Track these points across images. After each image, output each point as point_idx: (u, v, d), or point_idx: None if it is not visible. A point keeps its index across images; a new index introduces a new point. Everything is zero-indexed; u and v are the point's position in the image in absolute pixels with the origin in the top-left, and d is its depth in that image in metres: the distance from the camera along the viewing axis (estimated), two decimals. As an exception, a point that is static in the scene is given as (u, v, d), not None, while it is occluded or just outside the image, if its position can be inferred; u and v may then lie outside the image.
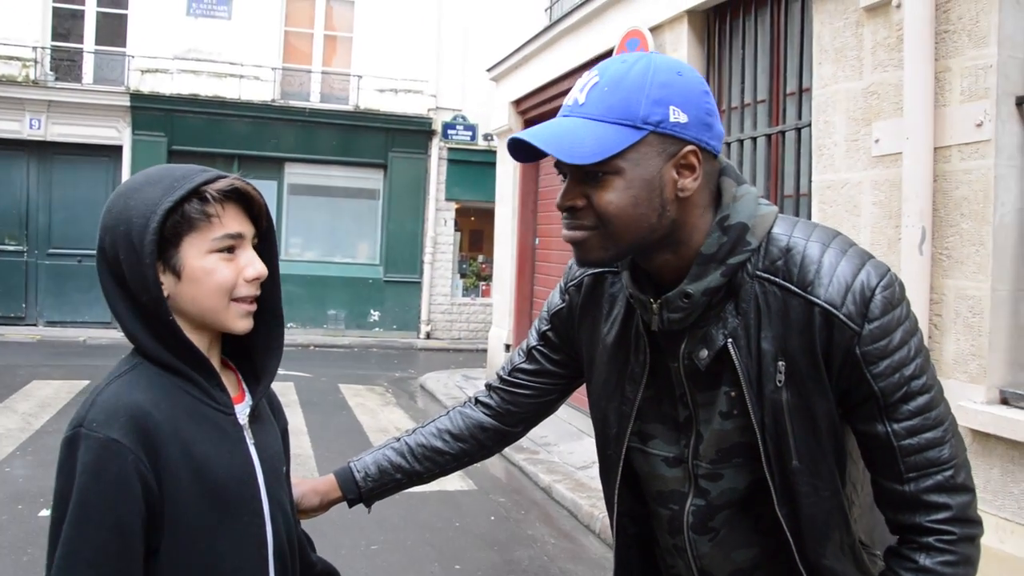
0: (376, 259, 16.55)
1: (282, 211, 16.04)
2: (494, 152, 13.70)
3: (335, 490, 1.78)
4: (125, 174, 14.96)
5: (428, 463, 1.81)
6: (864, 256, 1.33)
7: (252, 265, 1.37)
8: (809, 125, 4.78)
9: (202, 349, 1.37)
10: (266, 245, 1.44)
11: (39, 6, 14.66)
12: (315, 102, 15.75)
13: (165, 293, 1.33)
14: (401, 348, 15.25)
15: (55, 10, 14.97)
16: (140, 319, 1.34)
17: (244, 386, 1.49)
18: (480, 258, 16.78)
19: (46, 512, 3.91)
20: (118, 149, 15.06)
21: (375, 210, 16.48)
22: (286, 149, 15.71)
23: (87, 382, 9.52)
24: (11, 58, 14.44)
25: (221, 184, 1.34)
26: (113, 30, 15.20)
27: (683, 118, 1.26)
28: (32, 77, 14.51)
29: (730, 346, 1.35)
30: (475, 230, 17.19)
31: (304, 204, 16.24)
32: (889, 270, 1.32)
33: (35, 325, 14.63)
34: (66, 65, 14.94)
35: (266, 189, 15.68)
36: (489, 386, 1.84)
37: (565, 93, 8.71)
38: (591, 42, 7.87)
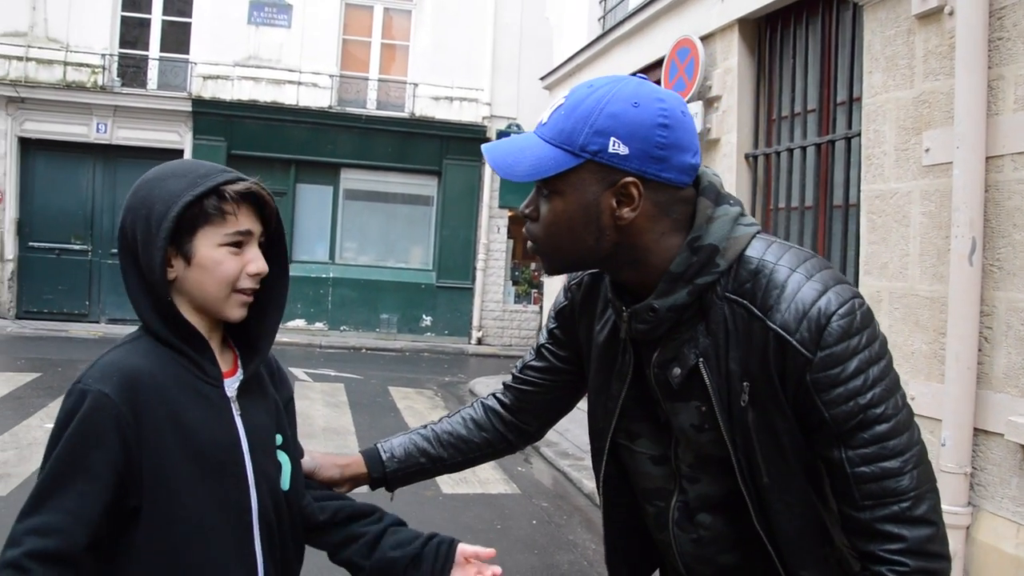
0: (429, 265, 16.68)
1: (337, 216, 16.27)
2: (547, 160, 13.69)
3: (360, 466, 1.82)
4: (186, 178, 15.26)
5: (452, 450, 1.85)
6: (830, 282, 1.31)
7: (255, 262, 1.50)
8: (859, 135, 4.74)
9: (202, 328, 1.51)
10: (274, 244, 1.57)
11: (108, 15, 15.11)
12: (371, 109, 15.95)
13: (173, 276, 1.46)
14: (452, 353, 15.34)
15: (123, 19, 15.41)
16: (146, 296, 1.47)
17: (240, 364, 1.59)
18: (532, 265, 16.80)
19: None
20: (179, 153, 15.38)
21: (429, 216, 16.62)
22: (342, 155, 15.94)
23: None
24: (81, 65, 14.89)
25: (239, 186, 1.47)
26: (177, 38, 15.60)
27: (623, 150, 1.29)
28: (100, 83, 14.95)
29: (702, 365, 1.37)
30: (528, 237, 17.17)
31: (359, 209, 16.45)
32: (854, 297, 1.31)
33: (97, 322, 15.05)
34: (132, 71, 15.37)
35: (322, 194, 16.11)
36: (505, 384, 1.89)
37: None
38: (643, 51, 7.88)
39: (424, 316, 16.37)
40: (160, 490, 1.38)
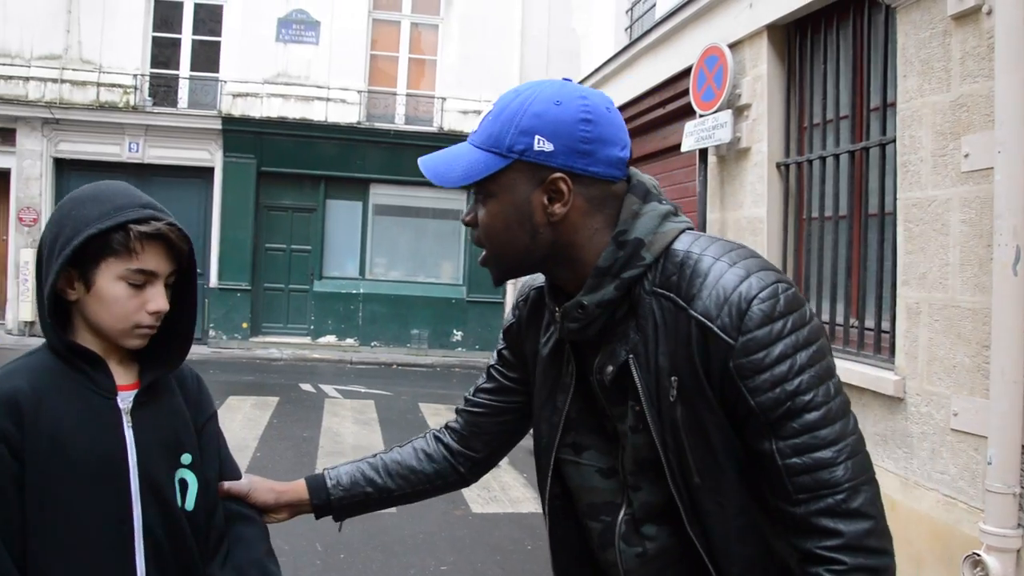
0: (459, 279, 16.65)
1: (367, 231, 16.30)
2: (576, 172, 13.64)
3: (300, 492, 1.77)
4: (217, 195, 15.48)
5: (401, 480, 1.80)
6: (754, 267, 1.29)
7: (154, 301, 1.52)
8: (894, 141, 4.58)
9: (101, 346, 1.54)
10: (186, 279, 1.60)
11: (140, 36, 15.33)
12: (400, 124, 15.99)
13: (75, 297, 1.51)
14: (483, 368, 15.13)
15: (154, 39, 15.63)
16: (40, 312, 1.52)
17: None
18: (562, 279, 16.72)
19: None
20: (210, 171, 15.57)
21: (458, 231, 16.58)
22: (371, 170, 15.97)
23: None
24: (114, 85, 15.12)
25: (146, 227, 1.48)
26: (207, 56, 15.78)
27: (548, 147, 1.31)
28: (132, 103, 15.15)
29: (631, 362, 1.35)
30: (558, 251, 17.14)
31: (388, 224, 16.48)
32: (779, 281, 1.28)
33: (131, 342, 15.11)
34: (163, 91, 15.56)
35: (351, 210, 16.14)
36: (457, 409, 1.85)
37: (645, 112, 8.65)
38: (671, 60, 7.77)
39: (455, 331, 16.32)
40: (37, 500, 1.41)
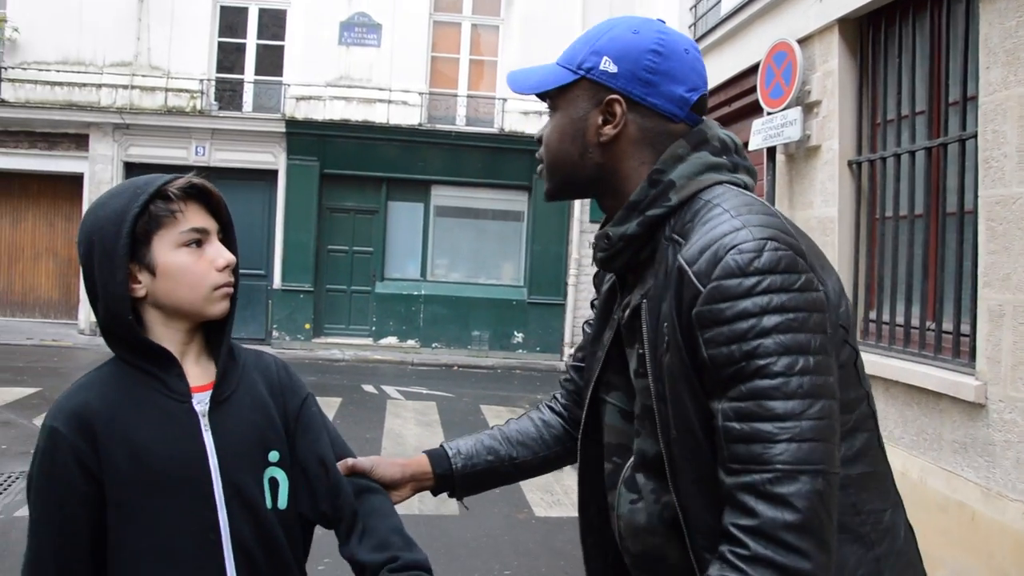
0: (520, 281, 16.61)
1: (428, 233, 16.36)
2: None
3: (423, 464, 1.72)
4: (281, 197, 15.68)
5: (523, 448, 1.75)
6: (754, 222, 1.22)
7: (221, 255, 1.49)
8: (975, 136, 4.40)
9: (176, 341, 1.49)
10: (228, 237, 1.56)
11: (206, 42, 15.63)
12: (461, 125, 16.00)
13: (143, 292, 1.45)
14: (544, 370, 15.19)
15: (220, 44, 15.92)
16: (105, 323, 1.46)
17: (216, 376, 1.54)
18: (624, 280, 16.58)
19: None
20: (274, 173, 15.78)
21: (519, 232, 16.56)
22: (433, 172, 16.02)
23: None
24: (181, 90, 15.44)
25: (180, 183, 1.46)
26: (271, 61, 16.01)
27: (612, 68, 1.34)
28: (198, 107, 15.45)
29: (643, 306, 1.32)
30: (619, 251, 17.00)
31: (450, 226, 16.51)
32: (773, 239, 1.20)
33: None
34: (228, 95, 15.83)
35: (413, 211, 16.21)
36: (560, 380, 1.86)
37: (710, 111, 8.52)
38: (737, 57, 7.62)
39: (516, 333, 16.28)
40: (122, 509, 1.38)
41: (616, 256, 1.38)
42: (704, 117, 1.41)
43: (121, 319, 1.43)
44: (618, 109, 1.35)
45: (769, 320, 1.16)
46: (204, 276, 1.46)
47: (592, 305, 1.69)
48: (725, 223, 1.23)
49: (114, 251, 1.40)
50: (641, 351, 1.33)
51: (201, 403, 1.48)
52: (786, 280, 1.18)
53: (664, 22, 1.40)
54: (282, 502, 1.52)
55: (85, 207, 15.25)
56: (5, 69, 15.27)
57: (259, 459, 1.51)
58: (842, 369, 1.27)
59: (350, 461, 1.63)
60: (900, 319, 5.22)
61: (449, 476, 1.71)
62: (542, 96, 1.43)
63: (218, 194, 1.53)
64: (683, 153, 1.35)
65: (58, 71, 15.34)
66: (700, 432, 1.24)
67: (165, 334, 1.48)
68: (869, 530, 1.30)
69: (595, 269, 1.60)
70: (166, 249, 1.44)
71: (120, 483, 1.38)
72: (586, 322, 1.71)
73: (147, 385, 1.45)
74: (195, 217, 1.48)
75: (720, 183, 1.33)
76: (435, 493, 1.74)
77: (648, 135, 1.37)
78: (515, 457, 1.74)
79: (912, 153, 5.12)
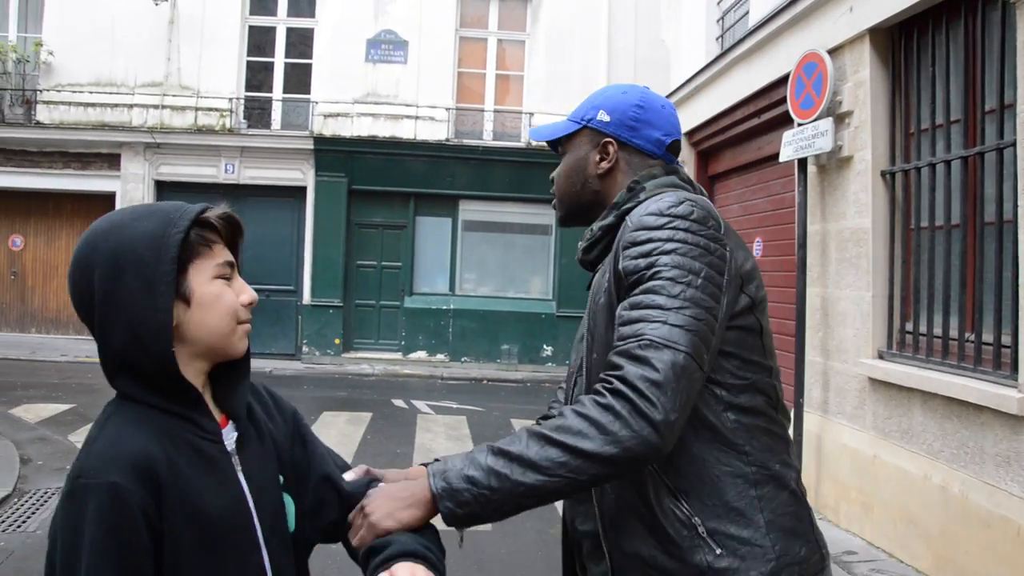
0: (549, 294, 16.58)
1: (456, 247, 16.39)
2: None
3: (423, 472, 1.70)
4: (309, 213, 15.79)
5: None
6: (684, 197, 1.57)
7: (246, 291, 1.44)
8: (1013, 144, 4.34)
9: (199, 382, 1.40)
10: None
11: (235, 61, 15.79)
12: (488, 140, 16.04)
13: (175, 322, 1.33)
14: (573, 383, 15.10)
15: (249, 63, 16.08)
16: (127, 359, 1.32)
17: (230, 414, 1.47)
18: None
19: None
20: (303, 190, 15.90)
21: (547, 245, 16.55)
22: (460, 187, 16.06)
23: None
24: (210, 109, 15.61)
25: (220, 212, 1.41)
26: (299, 79, 16.15)
27: (606, 118, 1.78)
28: (228, 126, 15.61)
29: (596, 273, 1.73)
30: (648, 264, 16.95)
31: (478, 240, 16.52)
32: (691, 202, 1.55)
33: (227, 357, 15.50)
34: (257, 113, 15.97)
35: (441, 226, 16.26)
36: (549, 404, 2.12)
37: (739, 123, 8.45)
38: (765, 68, 7.57)
39: (545, 346, 16.25)
40: (180, 567, 1.28)
41: (594, 245, 1.75)
42: (677, 160, 1.82)
43: (158, 352, 1.31)
44: (611, 148, 1.77)
45: (670, 245, 1.49)
46: (234, 309, 1.40)
47: None
48: (669, 196, 1.58)
49: (154, 276, 1.30)
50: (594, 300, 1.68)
51: (228, 440, 1.42)
52: (692, 225, 1.51)
53: (649, 88, 1.83)
54: (292, 524, 1.49)
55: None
56: (40, 92, 15.53)
57: (277, 487, 1.48)
58: (742, 331, 1.57)
59: (364, 467, 1.65)
60: (938, 330, 5.15)
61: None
62: (553, 145, 1.88)
63: (243, 228, 1.48)
64: (657, 173, 1.74)
65: (91, 92, 15.58)
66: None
67: (188, 372, 1.37)
68: (754, 471, 1.55)
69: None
70: (203, 279, 1.37)
71: (178, 535, 1.28)
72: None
73: (180, 428, 1.35)
74: (224, 249, 1.42)
75: (677, 187, 1.69)
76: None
77: (633, 167, 1.77)
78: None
79: (948, 162, 5.06)
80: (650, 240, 1.50)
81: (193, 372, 1.39)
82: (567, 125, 1.83)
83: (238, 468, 1.40)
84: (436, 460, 1.52)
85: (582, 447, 1.35)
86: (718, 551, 1.49)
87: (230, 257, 1.41)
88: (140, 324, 1.30)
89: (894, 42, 5.70)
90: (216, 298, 1.37)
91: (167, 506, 1.26)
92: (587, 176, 1.79)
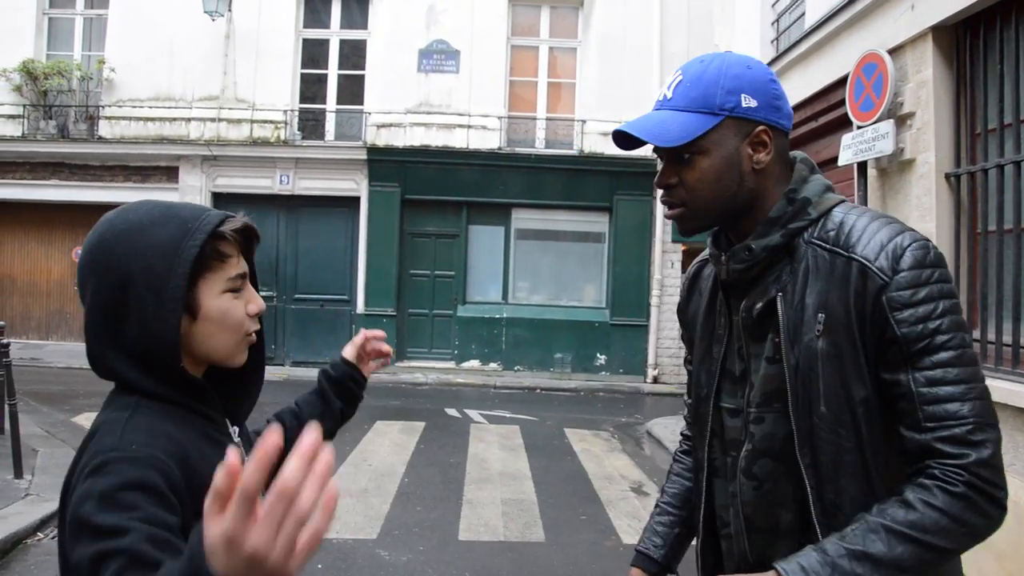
0: (602, 302, 16.47)
1: (509, 255, 16.37)
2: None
3: None
4: (363, 223, 15.91)
5: (691, 506, 1.89)
6: (905, 227, 1.47)
7: (255, 301, 1.43)
8: (1086, 144, 4.16)
9: (197, 374, 1.40)
10: (253, 278, 1.49)
11: (289, 74, 16.03)
12: (540, 148, 16.01)
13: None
14: (627, 392, 14.99)
15: (303, 76, 16.30)
16: (135, 359, 1.30)
17: (228, 409, 1.49)
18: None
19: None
20: (356, 200, 16.05)
21: (601, 253, 16.45)
22: (513, 195, 16.04)
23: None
24: (266, 122, 15.86)
25: (237, 226, 1.37)
26: (352, 90, 16.33)
27: (753, 103, 1.52)
28: (282, 137, 15.84)
29: (778, 298, 1.53)
30: (702, 271, 16.74)
31: (530, 248, 16.49)
32: (927, 240, 1.45)
33: (282, 365, 15.71)
34: (311, 125, 16.18)
35: (494, 234, 16.25)
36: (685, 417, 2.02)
37: (796, 127, 8.25)
38: (823, 70, 7.41)
39: (598, 355, 16.13)
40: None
41: (754, 266, 1.57)
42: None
43: (168, 363, 1.31)
44: (766, 137, 1.53)
45: (944, 304, 1.41)
46: (242, 322, 1.39)
47: (682, 339, 1.90)
48: (885, 229, 1.46)
49: (164, 291, 1.28)
50: (776, 340, 1.52)
51: (233, 435, 1.46)
52: (945, 272, 1.44)
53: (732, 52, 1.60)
54: None
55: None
56: (103, 107, 15.93)
57: None
58: None
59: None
60: (1007, 338, 4.96)
61: (664, 568, 1.90)
62: (670, 147, 1.53)
63: (260, 238, 1.47)
64: (806, 175, 1.59)
65: (151, 107, 15.94)
66: (859, 407, 1.44)
67: (195, 371, 1.40)
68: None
69: (676, 291, 1.67)
70: (212, 293, 1.35)
71: (187, 522, 1.20)
72: (686, 361, 1.89)
73: (200, 425, 1.36)
74: (239, 261, 1.40)
75: (841, 202, 1.58)
76: None
77: (782, 153, 1.58)
78: (689, 517, 1.90)
79: (1017, 164, 4.87)
80: (925, 300, 1.40)
81: (193, 371, 1.40)
82: (699, 119, 1.50)
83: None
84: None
85: (941, 545, 1.37)
86: None
87: (244, 268, 1.40)
88: (151, 339, 1.29)
89: (958, 40, 5.51)
90: (223, 314, 1.37)
91: (192, 490, 1.23)
92: (742, 174, 1.53)
